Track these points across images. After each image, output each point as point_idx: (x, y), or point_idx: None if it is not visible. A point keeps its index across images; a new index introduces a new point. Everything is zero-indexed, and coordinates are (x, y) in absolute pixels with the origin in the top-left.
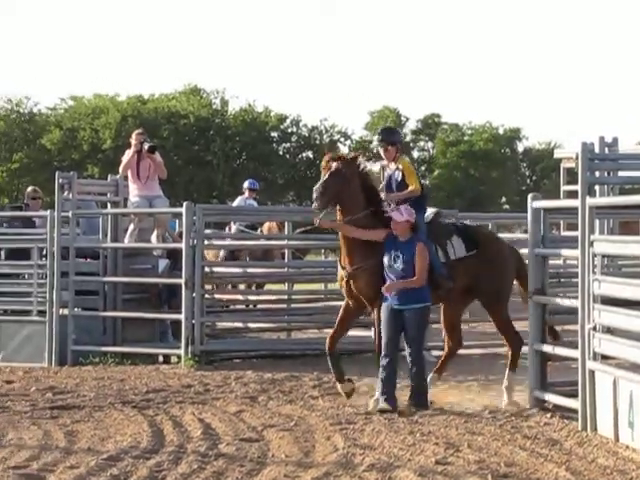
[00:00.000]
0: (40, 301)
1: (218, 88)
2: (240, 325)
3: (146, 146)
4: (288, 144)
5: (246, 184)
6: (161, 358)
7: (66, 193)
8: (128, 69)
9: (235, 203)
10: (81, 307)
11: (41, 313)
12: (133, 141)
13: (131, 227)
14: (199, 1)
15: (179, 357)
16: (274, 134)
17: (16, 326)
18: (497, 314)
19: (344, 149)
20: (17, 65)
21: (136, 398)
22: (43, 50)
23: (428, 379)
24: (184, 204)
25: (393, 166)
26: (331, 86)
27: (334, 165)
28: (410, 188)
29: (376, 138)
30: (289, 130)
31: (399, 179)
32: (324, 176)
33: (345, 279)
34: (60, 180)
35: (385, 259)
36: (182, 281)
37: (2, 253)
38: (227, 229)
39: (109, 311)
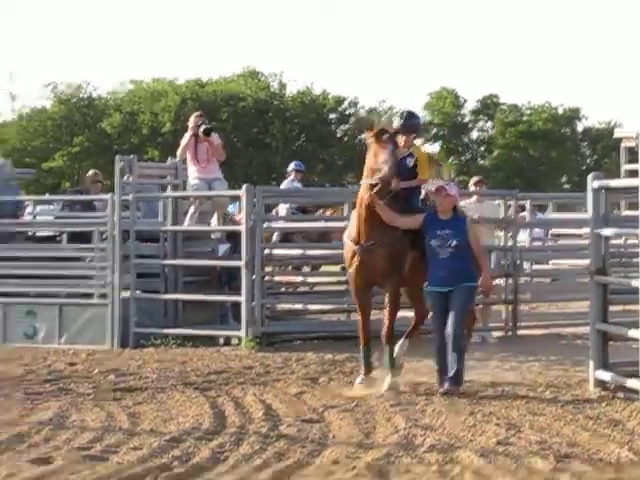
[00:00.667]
0: (101, 284)
1: (276, 71)
2: (300, 307)
3: (202, 129)
4: (346, 126)
5: (292, 166)
6: (222, 340)
7: (126, 176)
8: (187, 53)
9: (282, 186)
10: (142, 290)
11: (103, 296)
12: (190, 124)
13: (191, 210)
14: None
15: (240, 339)
16: (332, 116)
17: (78, 309)
18: None
19: None
20: (77, 50)
21: (198, 380)
22: (103, 35)
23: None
24: (243, 186)
25: (405, 151)
26: (389, 67)
27: (391, 138)
28: (420, 177)
29: (398, 121)
30: (347, 112)
31: (410, 165)
32: (390, 147)
33: (358, 255)
34: (120, 163)
35: (433, 241)
36: (242, 263)
37: (64, 237)
38: (275, 212)
39: (170, 293)
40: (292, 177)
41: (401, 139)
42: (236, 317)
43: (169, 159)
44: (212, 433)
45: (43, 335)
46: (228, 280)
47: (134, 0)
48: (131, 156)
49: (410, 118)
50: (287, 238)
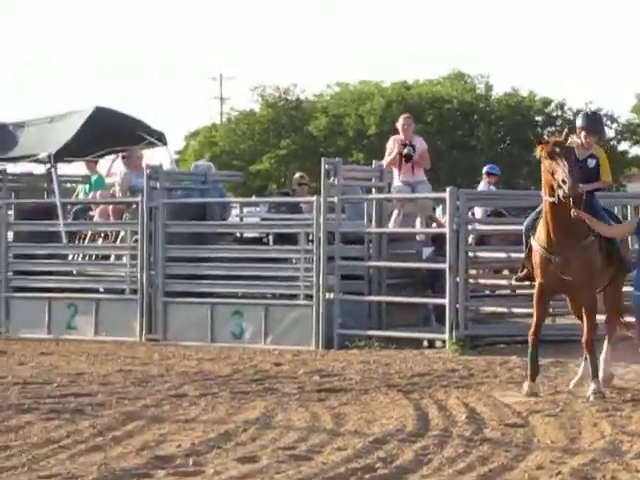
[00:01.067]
0: (307, 285)
1: (482, 73)
2: (504, 310)
3: (405, 152)
4: (553, 128)
5: (485, 169)
6: (425, 342)
7: (332, 179)
8: (393, 55)
9: (479, 189)
10: (346, 291)
11: (308, 297)
12: (399, 125)
13: (395, 212)
14: None
15: (443, 342)
16: (538, 118)
17: (284, 310)
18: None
19: (610, 133)
20: (286, 52)
21: (401, 382)
22: (311, 37)
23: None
24: (447, 189)
25: (585, 153)
26: (597, 68)
27: (565, 151)
28: (603, 179)
29: (581, 121)
30: (554, 114)
31: (591, 166)
32: (565, 163)
33: (557, 265)
34: (326, 166)
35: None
36: (446, 266)
37: (270, 238)
38: (470, 214)
39: (374, 295)
40: (487, 180)
41: (584, 140)
42: (440, 319)
43: (374, 162)
44: (416, 435)
45: (249, 335)
46: (432, 282)
47: (340, 4)
48: (336, 159)
49: (594, 119)
50: (483, 241)
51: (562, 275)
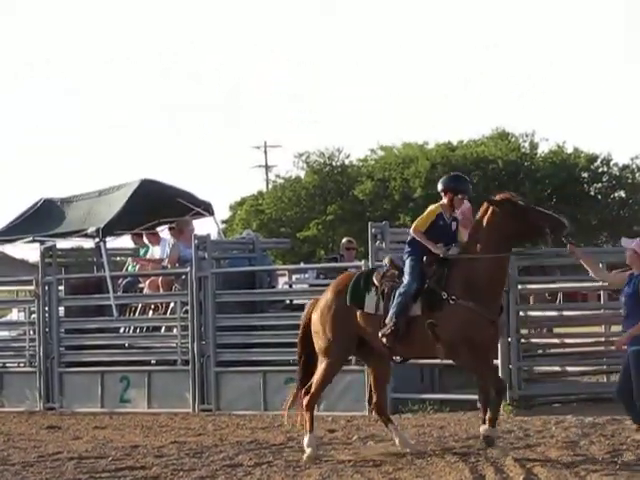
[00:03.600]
0: None
1: (527, 131)
2: (558, 369)
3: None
4: (599, 184)
5: None
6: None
7: (379, 243)
8: (436, 117)
9: None
10: None
11: (359, 362)
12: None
13: None
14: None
15: None
16: (584, 175)
17: (337, 376)
18: None
19: None
20: (327, 118)
21: (456, 445)
22: (353, 101)
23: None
24: None
25: (450, 215)
26: None
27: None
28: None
29: (456, 184)
30: (600, 170)
31: (453, 229)
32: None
33: (496, 325)
34: (373, 230)
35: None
36: None
37: None
38: None
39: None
40: None
41: (456, 203)
42: None
43: None
44: None
45: None
46: None
47: (380, 68)
48: (383, 222)
49: (465, 180)
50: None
51: (500, 335)
